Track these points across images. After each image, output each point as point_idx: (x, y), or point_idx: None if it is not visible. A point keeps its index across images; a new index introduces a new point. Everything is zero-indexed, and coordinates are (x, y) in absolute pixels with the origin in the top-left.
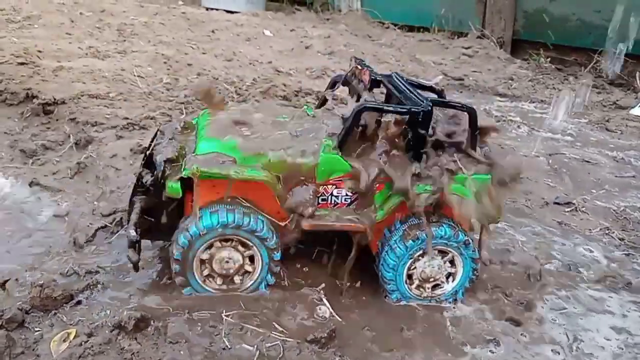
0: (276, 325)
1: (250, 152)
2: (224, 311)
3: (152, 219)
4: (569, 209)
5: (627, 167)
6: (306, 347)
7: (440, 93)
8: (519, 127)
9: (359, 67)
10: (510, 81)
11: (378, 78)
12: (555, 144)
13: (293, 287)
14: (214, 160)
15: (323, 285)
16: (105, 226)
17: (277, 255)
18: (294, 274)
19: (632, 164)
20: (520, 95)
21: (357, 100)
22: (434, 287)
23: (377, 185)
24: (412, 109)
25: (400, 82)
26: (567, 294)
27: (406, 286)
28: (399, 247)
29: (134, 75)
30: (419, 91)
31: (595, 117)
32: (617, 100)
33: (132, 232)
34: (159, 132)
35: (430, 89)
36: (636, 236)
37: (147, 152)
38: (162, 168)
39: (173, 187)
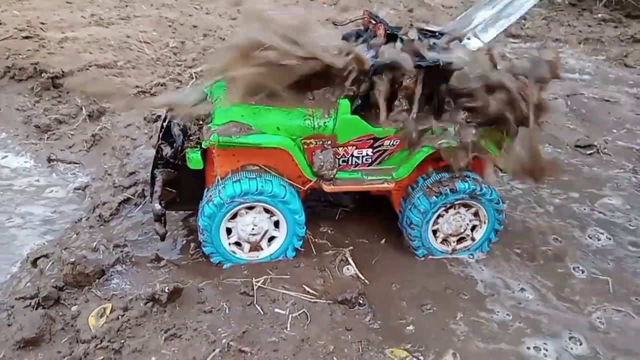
0: (306, 288)
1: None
2: (254, 278)
3: (175, 191)
4: (590, 152)
5: None
6: (337, 308)
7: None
8: None
9: (373, 20)
10: (523, 21)
11: (394, 32)
12: (574, 84)
13: (319, 249)
14: (231, 129)
15: (350, 248)
16: (128, 199)
17: (302, 219)
18: (318, 236)
19: None
20: (534, 35)
21: (375, 56)
22: (459, 240)
23: (397, 144)
24: (428, 65)
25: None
26: None
27: (432, 241)
28: (422, 203)
29: (140, 42)
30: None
31: (613, 52)
32: (635, 34)
33: (157, 206)
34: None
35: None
36: None
37: (164, 124)
38: (180, 140)
39: (194, 158)
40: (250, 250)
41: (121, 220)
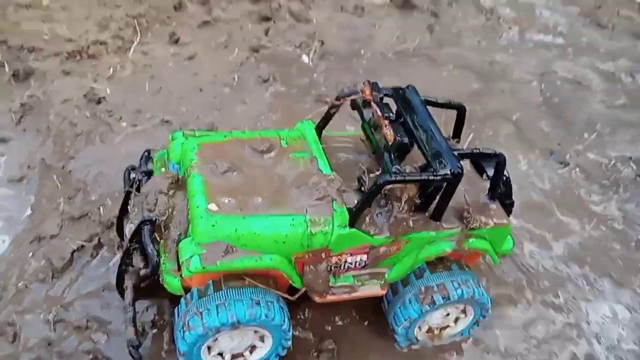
0: None
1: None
2: None
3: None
4: (562, 170)
5: (617, 90)
6: None
7: (461, 109)
8: (510, 28)
9: (374, 101)
10: None
11: (391, 116)
12: (547, 55)
13: (302, 346)
14: (215, 253)
15: (332, 344)
16: (82, 247)
17: (289, 334)
18: (300, 325)
19: (622, 81)
20: None
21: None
22: (442, 329)
23: (395, 247)
24: (446, 176)
25: (421, 112)
26: None
27: (416, 333)
28: (414, 308)
29: None
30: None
31: (586, 3)
32: None
33: (133, 337)
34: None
35: (451, 106)
36: None
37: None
38: (155, 259)
39: (173, 284)
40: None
41: (76, 276)
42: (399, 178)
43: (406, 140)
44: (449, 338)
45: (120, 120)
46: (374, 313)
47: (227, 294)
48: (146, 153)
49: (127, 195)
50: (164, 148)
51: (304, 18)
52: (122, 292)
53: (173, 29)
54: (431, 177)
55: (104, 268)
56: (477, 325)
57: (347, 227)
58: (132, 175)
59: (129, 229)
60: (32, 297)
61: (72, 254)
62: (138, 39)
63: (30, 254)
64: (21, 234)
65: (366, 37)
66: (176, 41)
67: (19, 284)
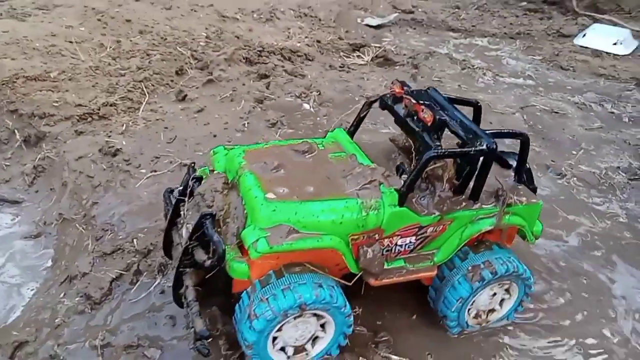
0: None
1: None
2: None
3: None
4: (560, 180)
5: (591, 116)
6: None
7: (478, 107)
8: (484, 74)
9: (406, 95)
10: (457, 10)
11: (426, 102)
12: (522, 92)
13: (357, 338)
14: (278, 234)
15: (384, 335)
16: (120, 276)
17: (351, 319)
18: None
19: (593, 110)
20: (471, 29)
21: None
22: (489, 312)
23: (442, 227)
24: (483, 149)
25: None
26: None
27: (466, 318)
28: (464, 287)
29: (70, 43)
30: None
31: (546, 51)
32: (560, 28)
33: (203, 328)
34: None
35: (469, 103)
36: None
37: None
38: (222, 247)
39: (239, 270)
40: (294, 354)
41: (117, 304)
42: (442, 152)
43: (445, 117)
44: (496, 323)
45: (138, 167)
46: (419, 306)
47: (291, 279)
48: (192, 164)
49: (176, 207)
50: (205, 166)
51: (299, 74)
52: (178, 299)
53: (179, 88)
54: (471, 151)
55: (145, 293)
56: (521, 307)
57: (397, 206)
58: (175, 193)
59: (185, 230)
60: (73, 329)
61: (111, 283)
62: (146, 99)
63: (62, 294)
64: (48, 280)
65: (357, 87)
66: (183, 98)
67: (56, 320)
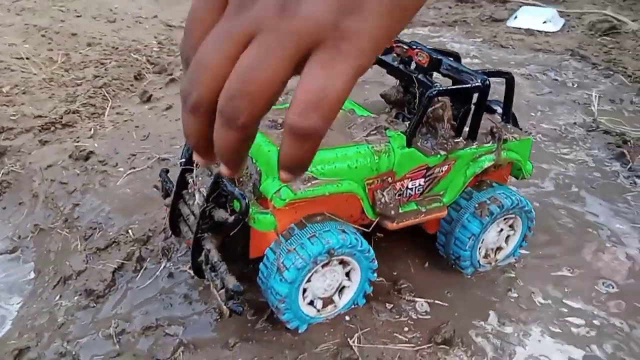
0: (401, 337)
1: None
2: (349, 338)
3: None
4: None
5: (539, 84)
6: (439, 350)
7: (457, 57)
8: None
9: (405, 46)
10: None
11: (418, 46)
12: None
13: (380, 290)
14: (300, 181)
15: (404, 283)
16: (122, 265)
17: (374, 264)
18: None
19: (539, 79)
20: (411, 20)
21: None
22: (497, 250)
23: (445, 170)
24: (479, 85)
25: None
26: None
27: (478, 257)
28: (474, 224)
29: (19, 59)
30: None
31: (484, 34)
32: (492, 14)
33: (236, 283)
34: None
35: (450, 54)
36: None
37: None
38: (245, 200)
39: (266, 220)
40: (323, 306)
41: (124, 292)
42: (444, 89)
43: (441, 57)
44: (504, 260)
45: (116, 166)
46: (427, 256)
47: (315, 228)
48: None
49: (182, 177)
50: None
51: None
52: (198, 267)
53: (143, 89)
54: (469, 87)
55: (152, 278)
56: (526, 242)
57: (406, 147)
58: (168, 174)
59: (199, 194)
60: (80, 325)
61: (113, 274)
62: (109, 104)
63: (58, 297)
64: (36, 289)
65: None
66: (149, 99)
67: (58, 321)
